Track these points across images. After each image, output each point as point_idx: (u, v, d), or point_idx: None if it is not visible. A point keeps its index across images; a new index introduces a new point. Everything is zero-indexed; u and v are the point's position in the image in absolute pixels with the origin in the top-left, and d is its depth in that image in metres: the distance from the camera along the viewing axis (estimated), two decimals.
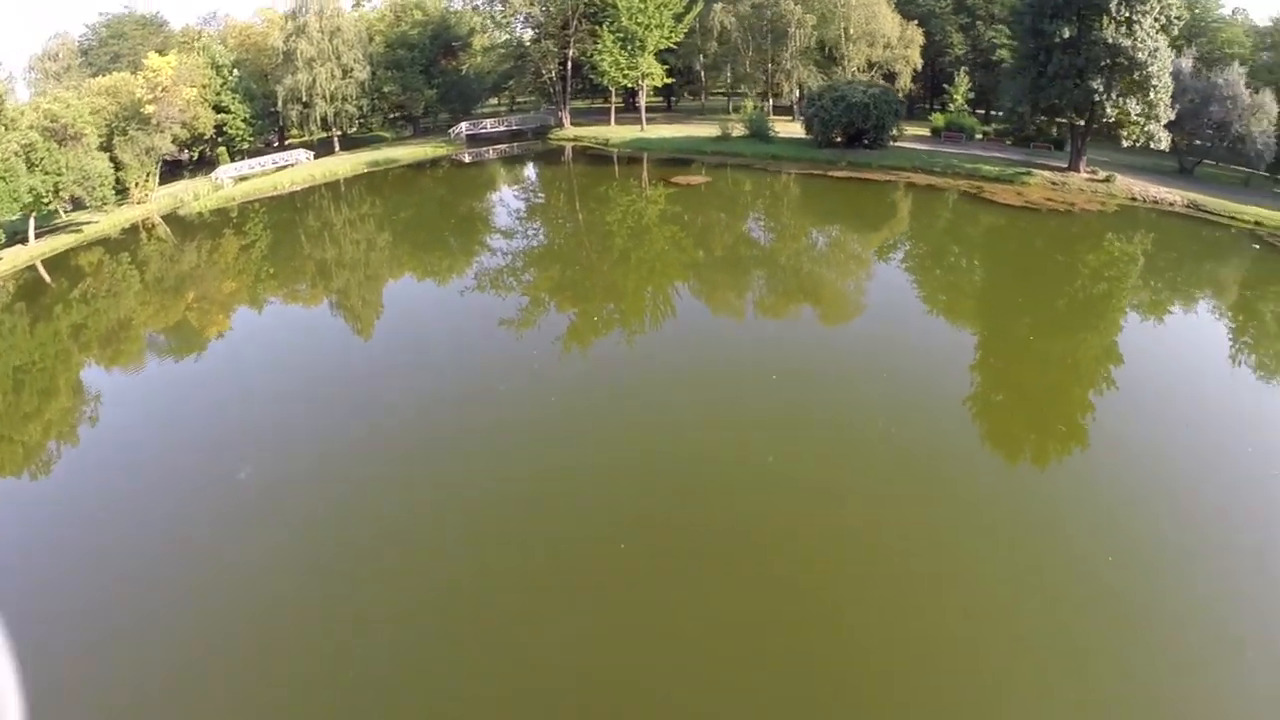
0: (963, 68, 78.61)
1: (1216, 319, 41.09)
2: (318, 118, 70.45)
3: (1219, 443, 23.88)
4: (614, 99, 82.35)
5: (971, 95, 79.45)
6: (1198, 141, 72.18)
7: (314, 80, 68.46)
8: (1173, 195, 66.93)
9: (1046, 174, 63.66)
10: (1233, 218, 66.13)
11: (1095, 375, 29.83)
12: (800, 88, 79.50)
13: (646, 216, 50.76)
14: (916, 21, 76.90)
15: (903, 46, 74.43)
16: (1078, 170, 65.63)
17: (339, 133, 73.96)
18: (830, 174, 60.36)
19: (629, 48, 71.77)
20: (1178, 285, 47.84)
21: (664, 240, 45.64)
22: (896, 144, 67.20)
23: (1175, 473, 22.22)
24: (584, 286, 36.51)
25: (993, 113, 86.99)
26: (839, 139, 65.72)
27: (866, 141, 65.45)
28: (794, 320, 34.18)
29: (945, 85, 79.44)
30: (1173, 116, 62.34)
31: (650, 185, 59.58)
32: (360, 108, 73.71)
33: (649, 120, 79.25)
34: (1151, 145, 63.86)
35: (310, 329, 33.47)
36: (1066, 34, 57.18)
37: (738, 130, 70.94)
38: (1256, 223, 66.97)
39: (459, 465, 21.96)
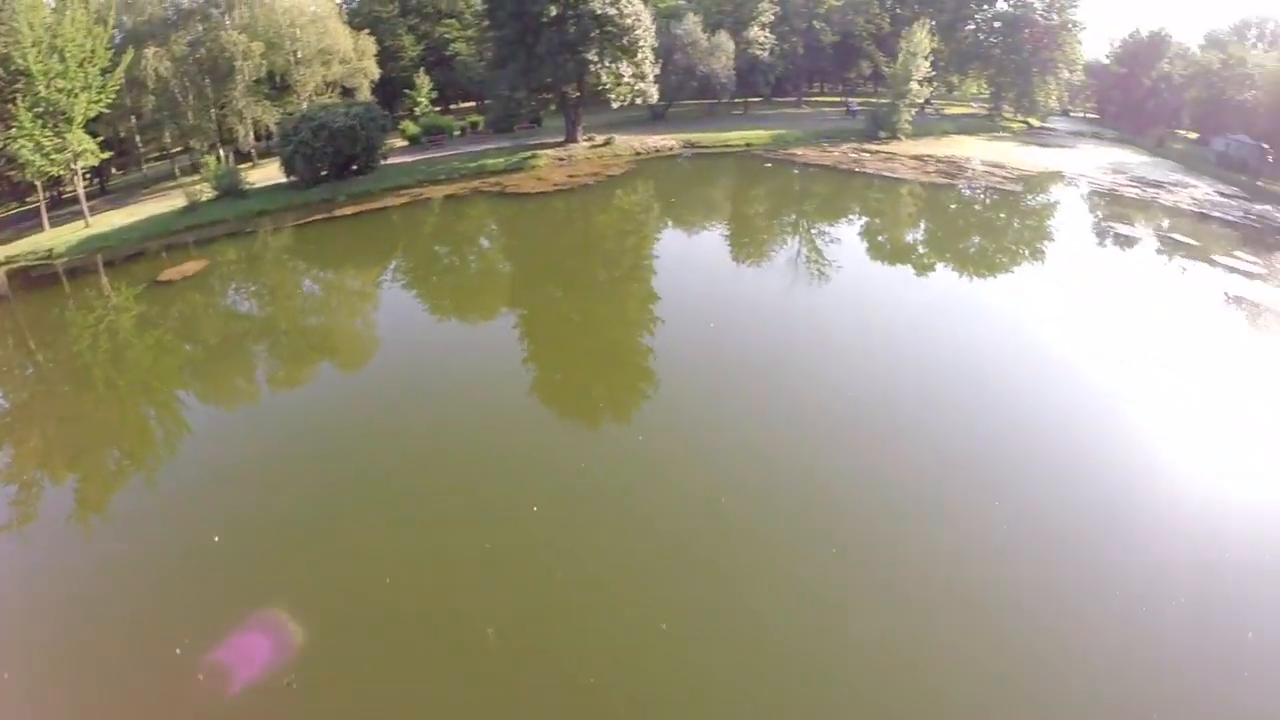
0: (421, 69, 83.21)
1: (766, 227, 56.27)
2: None
3: (769, 337, 33.75)
4: (41, 194, 70.04)
5: (434, 94, 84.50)
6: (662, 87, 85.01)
7: None
8: (667, 140, 77.64)
9: (549, 152, 69.81)
10: (726, 145, 79.48)
11: (641, 320, 36.28)
12: (256, 127, 77.83)
13: (122, 331, 44.65)
14: (367, 30, 79.53)
15: (358, 59, 76.49)
16: (577, 141, 73.10)
17: None
18: (335, 214, 58.14)
19: (53, 123, 61.51)
20: (712, 213, 60.32)
21: (150, 351, 40.78)
22: (387, 162, 68.90)
23: (732, 382, 29.06)
24: (72, 438, 32.97)
25: (452, 107, 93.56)
26: (326, 172, 63.86)
27: (357, 167, 64.71)
28: (315, 381, 33.72)
29: (406, 90, 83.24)
30: (658, 71, 72.96)
31: (119, 291, 51.94)
32: None
33: (92, 210, 68.62)
34: (639, 101, 73.84)
35: None
36: (554, 12, 63.34)
37: (207, 194, 65.21)
38: (747, 144, 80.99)
39: None
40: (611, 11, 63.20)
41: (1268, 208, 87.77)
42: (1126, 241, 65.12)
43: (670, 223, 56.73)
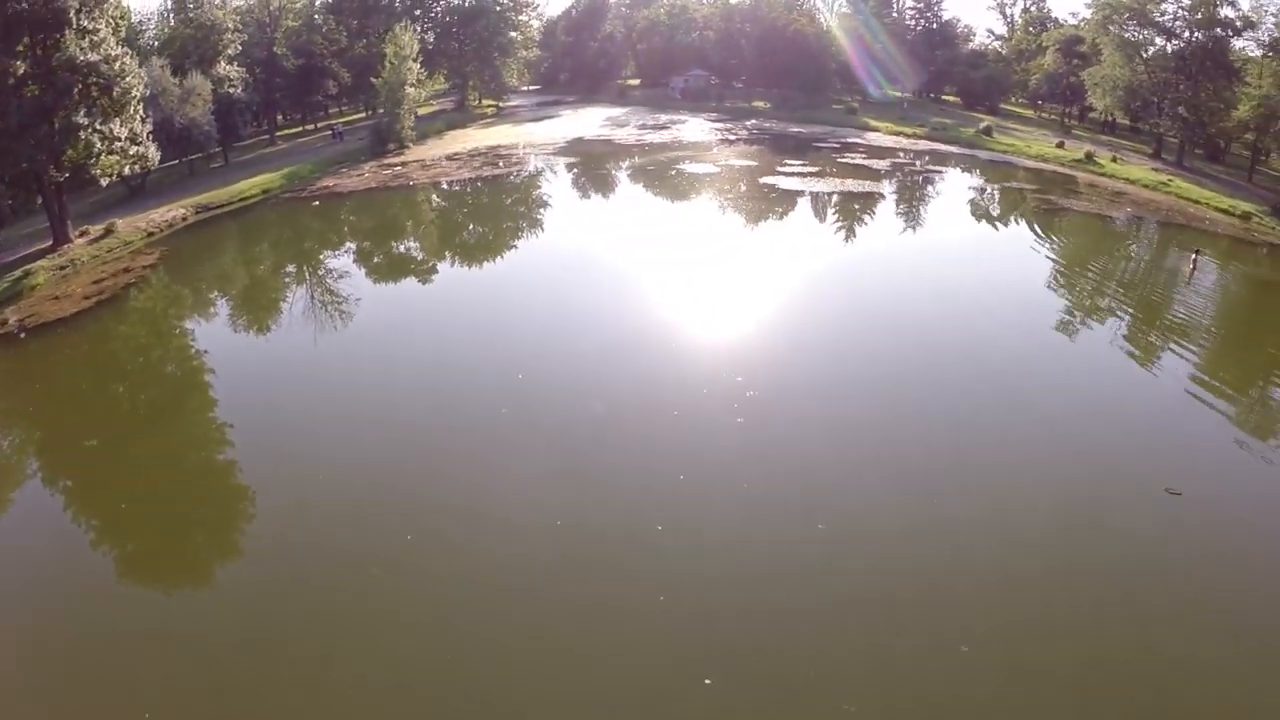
0: None
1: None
2: None
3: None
4: None
5: None
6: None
7: None
8: (175, 210, 65.80)
9: (42, 263, 54.33)
10: (243, 197, 69.15)
11: (207, 433, 30.51)
12: None
13: None
14: None
15: None
16: (70, 239, 58.49)
17: None
18: None
19: None
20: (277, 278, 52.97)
21: None
22: None
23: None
24: None
25: None
26: None
27: None
28: None
29: None
30: (150, 129, 59.92)
31: None
32: None
33: None
34: (131, 170, 60.82)
35: None
36: (21, 68, 47.88)
37: None
38: (265, 191, 71.69)
39: None
40: (94, 57, 50.11)
41: (752, 121, 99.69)
42: (703, 177, 68.67)
43: (229, 305, 47.83)
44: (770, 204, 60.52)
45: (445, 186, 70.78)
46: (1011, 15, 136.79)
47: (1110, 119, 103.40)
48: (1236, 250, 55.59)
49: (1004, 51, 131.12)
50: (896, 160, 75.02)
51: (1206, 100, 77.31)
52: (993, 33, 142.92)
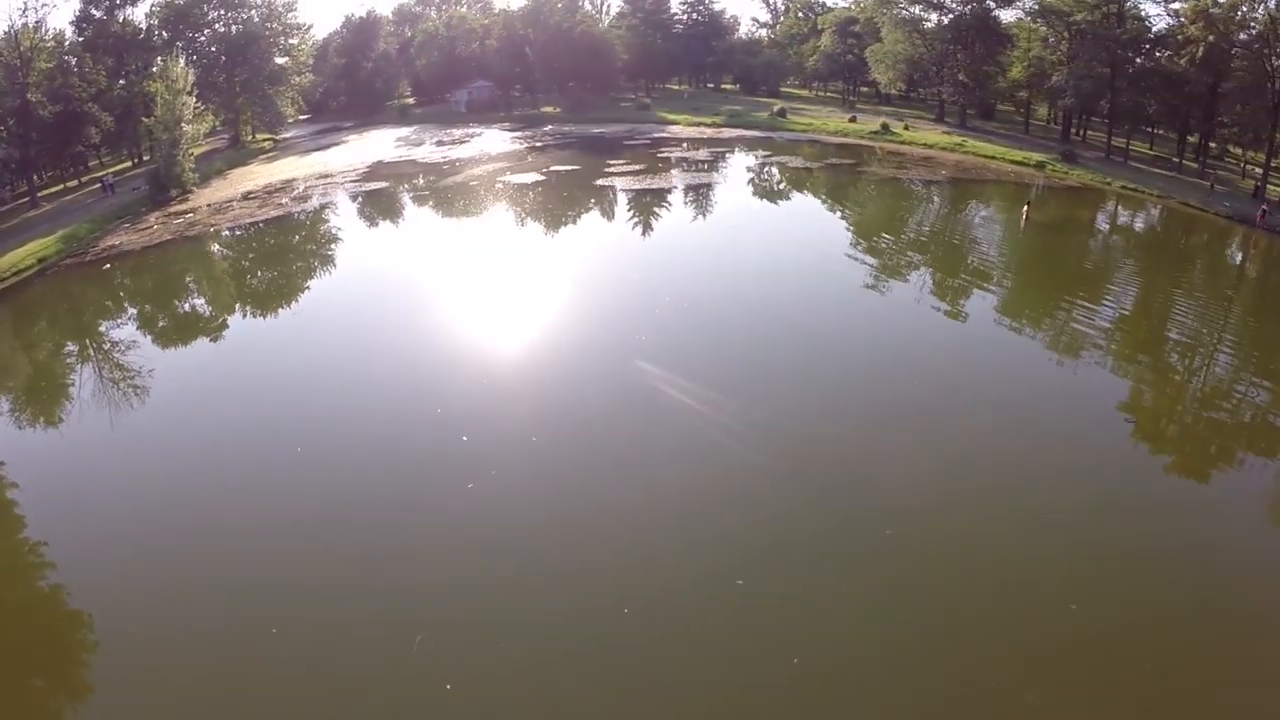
0: None
1: None
2: None
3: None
4: None
5: None
6: None
7: None
8: None
9: None
10: (18, 270, 60.40)
11: (22, 560, 25.15)
12: None
13: None
14: None
15: None
16: None
17: None
18: None
19: None
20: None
21: None
22: None
23: None
24: None
25: None
26: None
27: None
28: None
29: None
30: None
31: None
32: None
33: None
34: None
35: None
36: None
37: None
38: (40, 260, 63.03)
39: None
40: None
41: (550, 127, 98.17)
42: (535, 187, 66.36)
43: (24, 404, 39.63)
44: (626, 205, 59.94)
45: (250, 231, 64.26)
46: (775, 3, 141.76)
47: (888, 91, 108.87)
48: (1049, 195, 61.78)
49: (775, 37, 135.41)
50: (712, 149, 76.56)
51: (983, 65, 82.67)
52: (757, 20, 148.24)
